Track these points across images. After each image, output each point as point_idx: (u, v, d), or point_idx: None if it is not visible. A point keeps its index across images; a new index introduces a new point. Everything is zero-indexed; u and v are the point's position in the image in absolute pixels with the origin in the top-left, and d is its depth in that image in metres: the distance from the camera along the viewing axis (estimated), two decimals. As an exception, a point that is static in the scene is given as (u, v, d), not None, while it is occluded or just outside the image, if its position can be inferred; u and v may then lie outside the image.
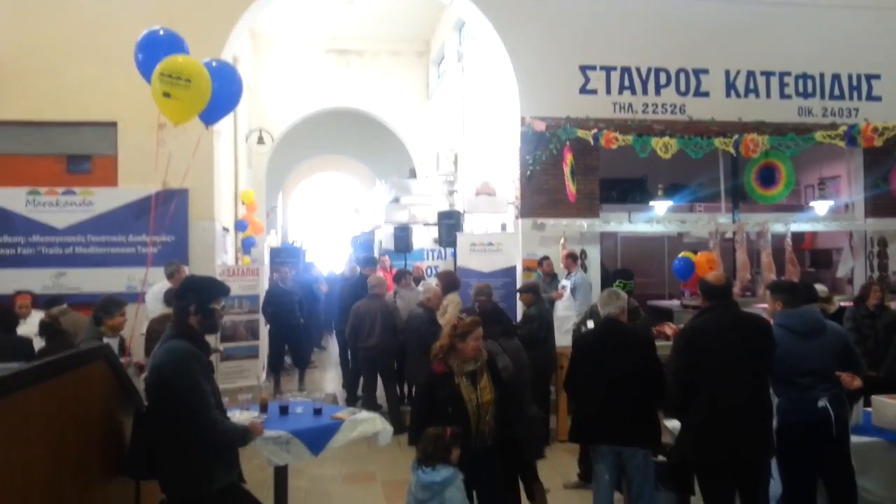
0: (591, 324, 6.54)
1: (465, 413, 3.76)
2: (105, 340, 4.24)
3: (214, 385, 3.46)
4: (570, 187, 8.81)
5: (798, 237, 10.86)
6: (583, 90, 9.31)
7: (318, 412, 4.50)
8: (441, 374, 3.84)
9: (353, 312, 7.89)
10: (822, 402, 4.04)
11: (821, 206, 9.74)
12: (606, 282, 9.28)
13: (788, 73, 9.76)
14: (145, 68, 6.40)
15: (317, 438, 4.15)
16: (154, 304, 7.50)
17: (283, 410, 4.52)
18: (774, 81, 9.74)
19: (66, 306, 6.65)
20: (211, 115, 6.67)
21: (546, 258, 8.80)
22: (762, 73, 9.72)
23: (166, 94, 6.02)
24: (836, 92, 9.86)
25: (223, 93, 6.57)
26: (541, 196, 9.22)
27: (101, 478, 3.31)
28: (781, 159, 8.63)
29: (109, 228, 8.81)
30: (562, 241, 8.96)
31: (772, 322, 4.17)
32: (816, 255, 11.83)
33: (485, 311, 5.12)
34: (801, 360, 4.00)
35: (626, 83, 9.40)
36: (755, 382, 3.88)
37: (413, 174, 15.87)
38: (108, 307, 4.86)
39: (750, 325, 4.03)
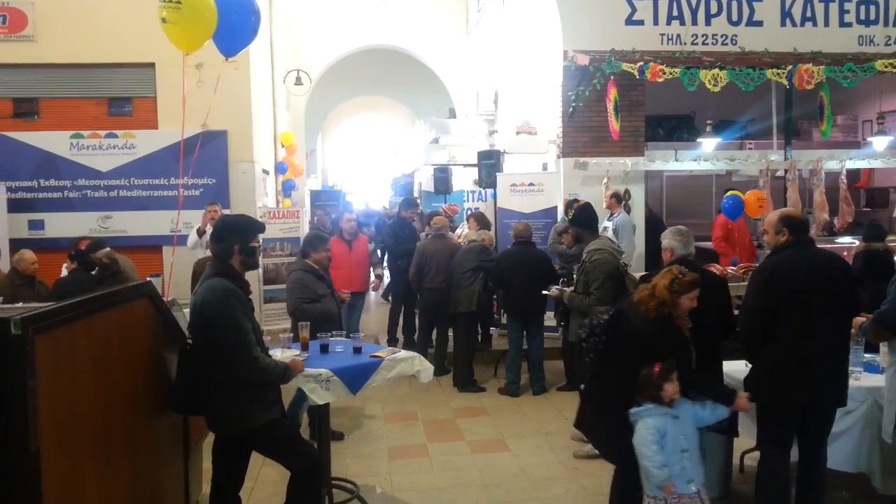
0: None
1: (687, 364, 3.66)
2: (148, 279, 4.31)
3: (255, 323, 3.49)
4: (614, 124, 8.53)
5: (853, 175, 10.39)
6: (629, 21, 8.87)
7: (357, 351, 4.52)
8: (677, 330, 3.69)
9: (418, 252, 7.91)
10: None
11: (879, 142, 9.24)
12: (650, 222, 9.09)
13: (849, -1, 9.17)
14: None
15: (356, 377, 4.16)
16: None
17: (324, 349, 4.55)
18: (833, 8, 9.13)
19: (109, 249, 6.73)
20: (227, 44, 6.56)
21: (576, 202, 8.47)
22: (820, 0, 9.14)
23: (163, 20, 5.96)
24: (902, 18, 9.24)
25: (238, 22, 6.44)
26: (583, 134, 8.94)
27: (149, 412, 3.39)
28: (825, 92, 8.17)
29: (151, 171, 8.92)
30: (605, 181, 8.73)
31: None
32: (872, 194, 11.34)
33: None
34: None
35: (675, 13, 8.92)
36: (836, 325, 3.71)
37: (452, 114, 15.58)
38: (314, 243, 5.43)
39: (831, 263, 3.84)
